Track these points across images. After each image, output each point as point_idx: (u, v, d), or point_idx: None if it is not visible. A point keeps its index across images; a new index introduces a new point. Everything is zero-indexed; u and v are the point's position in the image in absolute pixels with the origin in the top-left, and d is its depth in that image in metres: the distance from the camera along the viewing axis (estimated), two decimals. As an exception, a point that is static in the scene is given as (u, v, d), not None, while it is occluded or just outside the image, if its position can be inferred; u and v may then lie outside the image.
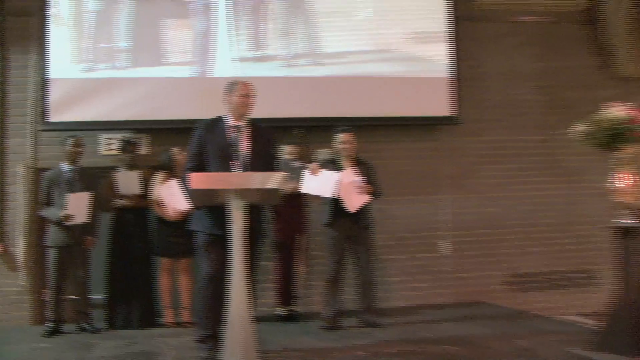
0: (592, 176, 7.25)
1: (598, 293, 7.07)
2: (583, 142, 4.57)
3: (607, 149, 4.49)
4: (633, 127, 4.39)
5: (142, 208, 6.18)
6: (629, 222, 4.48)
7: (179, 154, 6.03)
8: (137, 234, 6.20)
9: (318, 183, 5.68)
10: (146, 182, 6.17)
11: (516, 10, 8.02)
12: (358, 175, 5.73)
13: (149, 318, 6.17)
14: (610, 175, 4.49)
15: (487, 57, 7.91)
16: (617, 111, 4.44)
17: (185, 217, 5.41)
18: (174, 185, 5.87)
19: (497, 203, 7.75)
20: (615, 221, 4.52)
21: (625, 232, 4.50)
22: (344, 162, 5.82)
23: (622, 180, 4.46)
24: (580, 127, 4.57)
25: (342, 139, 5.83)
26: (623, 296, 4.48)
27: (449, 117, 7.49)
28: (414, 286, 7.37)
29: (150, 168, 6.30)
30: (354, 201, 5.71)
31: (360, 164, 5.86)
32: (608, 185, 4.51)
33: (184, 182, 4.66)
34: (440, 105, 7.46)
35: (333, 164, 5.81)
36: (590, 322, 5.69)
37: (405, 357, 4.69)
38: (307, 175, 5.70)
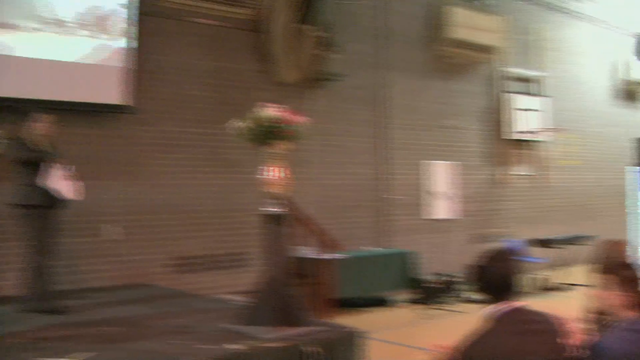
0: (248, 168, 7.79)
1: (250, 273, 7.61)
2: (241, 137, 4.89)
3: (261, 144, 4.86)
4: (284, 126, 4.81)
5: None
6: (277, 210, 5.04)
7: None
8: None
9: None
10: None
11: (194, 12, 8.37)
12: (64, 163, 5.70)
13: None
14: (262, 168, 4.92)
15: (165, 52, 8.15)
16: (272, 111, 4.83)
17: None
18: None
19: (166, 190, 8.03)
20: (265, 209, 5.00)
21: (274, 219, 5.03)
22: (41, 145, 5.69)
23: (273, 173, 4.90)
24: (239, 124, 4.87)
25: (43, 121, 5.74)
26: (270, 275, 5.01)
27: (124, 106, 7.57)
28: (81, 269, 7.27)
29: None
30: (72, 188, 5.69)
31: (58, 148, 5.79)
32: (260, 176, 4.92)
33: None
34: (116, 94, 7.50)
35: (23, 147, 5.65)
36: (242, 299, 6.10)
37: (68, 341, 4.67)
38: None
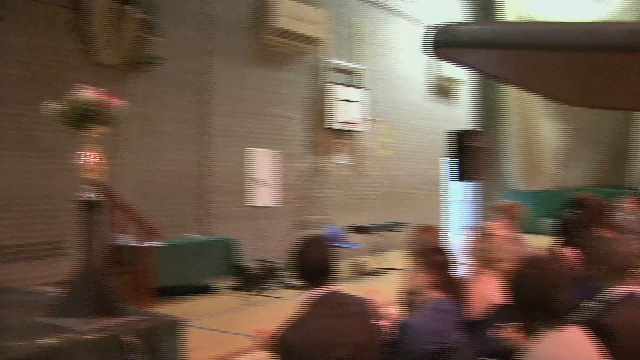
0: (65, 153, 7.48)
1: (66, 262, 7.31)
2: (56, 119, 4.73)
3: (77, 128, 4.72)
4: (102, 110, 4.74)
5: None
6: (93, 196, 4.86)
7: None
8: None
9: None
10: None
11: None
12: None
13: None
14: (78, 152, 4.80)
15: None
16: (89, 94, 4.73)
17: None
18: None
19: (-30, 175, 7.50)
20: (80, 195, 4.86)
21: (90, 206, 4.86)
22: None
23: (89, 158, 4.78)
24: (54, 105, 4.73)
25: None
26: (85, 264, 4.84)
27: None
28: None
29: None
30: None
31: None
32: (76, 162, 4.80)
33: None
34: None
35: None
36: (56, 290, 5.95)
37: None
38: None
